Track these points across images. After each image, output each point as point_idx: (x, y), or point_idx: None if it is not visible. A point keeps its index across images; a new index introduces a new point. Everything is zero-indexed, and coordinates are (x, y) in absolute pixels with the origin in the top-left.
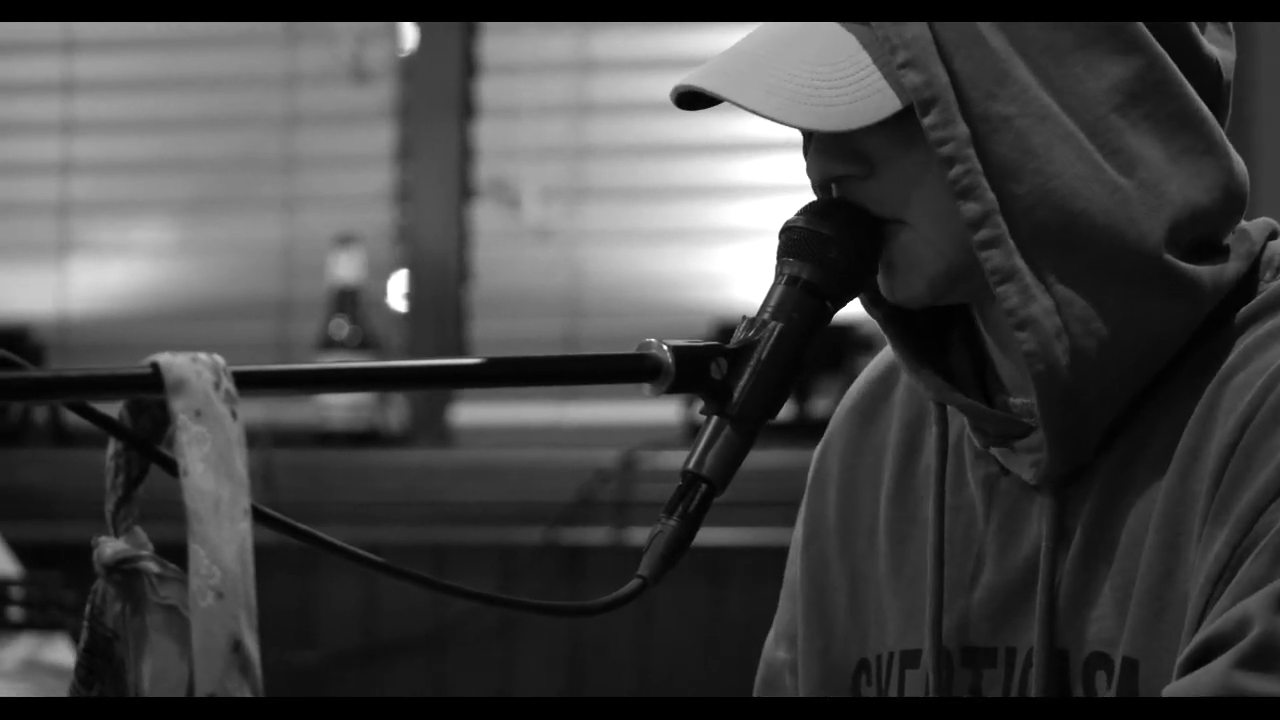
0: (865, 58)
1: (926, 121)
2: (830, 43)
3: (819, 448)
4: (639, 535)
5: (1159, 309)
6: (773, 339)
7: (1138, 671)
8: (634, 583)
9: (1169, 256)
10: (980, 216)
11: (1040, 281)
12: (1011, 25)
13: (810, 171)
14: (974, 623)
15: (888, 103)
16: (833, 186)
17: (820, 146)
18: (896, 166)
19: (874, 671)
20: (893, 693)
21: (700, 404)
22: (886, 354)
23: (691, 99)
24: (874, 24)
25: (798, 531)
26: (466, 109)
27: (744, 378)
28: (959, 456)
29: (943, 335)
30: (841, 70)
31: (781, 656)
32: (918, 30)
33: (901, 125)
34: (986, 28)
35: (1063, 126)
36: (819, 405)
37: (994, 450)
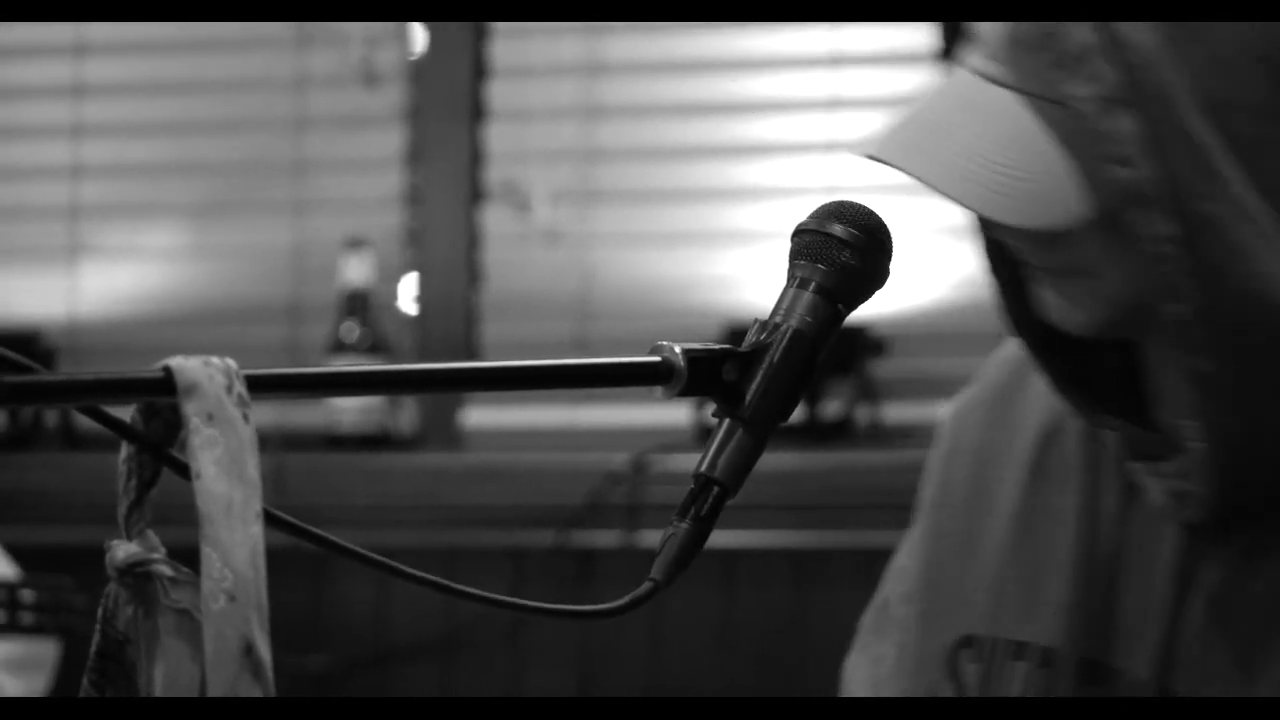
0: (1060, 149)
1: (1134, 219)
2: (1021, 125)
3: (955, 414)
4: (650, 538)
5: None
6: (785, 342)
7: None
8: (646, 585)
9: None
10: (1181, 318)
11: (1236, 386)
12: (1221, 121)
13: (995, 232)
14: (1091, 635)
15: (1088, 203)
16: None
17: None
18: (1092, 239)
19: (984, 650)
20: (996, 679)
21: (712, 407)
22: None
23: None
24: (1079, 112)
25: (926, 493)
26: (476, 112)
27: (756, 381)
28: (1100, 463)
29: (1091, 354)
30: (1035, 159)
31: (900, 610)
32: (1127, 126)
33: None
34: (1196, 125)
35: (1271, 225)
36: (830, 408)
37: (1134, 466)
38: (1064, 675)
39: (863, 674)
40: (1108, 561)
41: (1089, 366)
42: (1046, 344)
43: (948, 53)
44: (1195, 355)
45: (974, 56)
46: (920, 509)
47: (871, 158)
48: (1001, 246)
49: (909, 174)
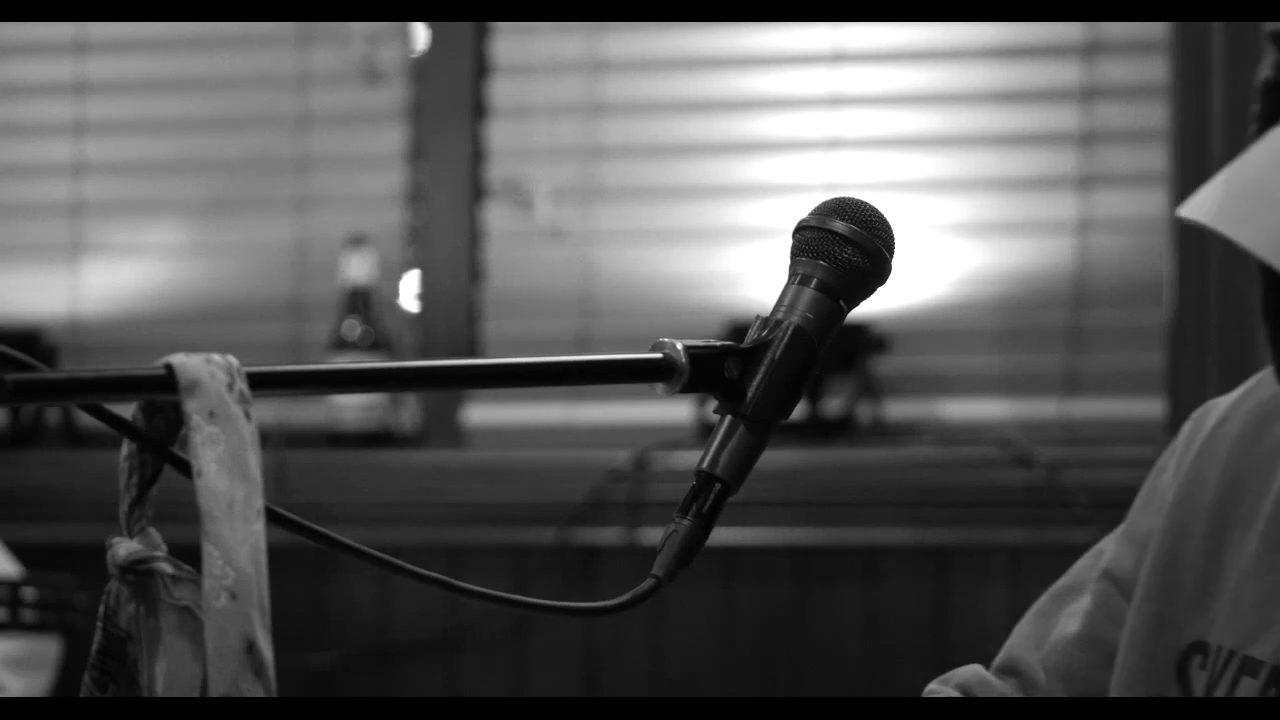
0: None
1: None
2: None
3: (1210, 418)
4: (652, 535)
5: None
6: (786, 339)
7: None
8: (648, 583)
9: None
10: None
11: None
12: None
13: None
14: None
15: None
16: None
17: None
18: None
19: (1211, 658)
20: (1222, 689)
21: (714, 404)
22: None
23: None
24: None
25: (1161, 486)
26: (478, 109)
27: (758, 377)
28: None
29: None
30: None
31: (1096, 584)
32: None
33: None
34: None
35: None
36: (832, 405)
37: None
38: None
39: (1027, 631)
40: None
41: None
42: None
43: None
44: None
45: None
46: (1148, 500)
47: (1202, 224)
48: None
49: (1240, 244)
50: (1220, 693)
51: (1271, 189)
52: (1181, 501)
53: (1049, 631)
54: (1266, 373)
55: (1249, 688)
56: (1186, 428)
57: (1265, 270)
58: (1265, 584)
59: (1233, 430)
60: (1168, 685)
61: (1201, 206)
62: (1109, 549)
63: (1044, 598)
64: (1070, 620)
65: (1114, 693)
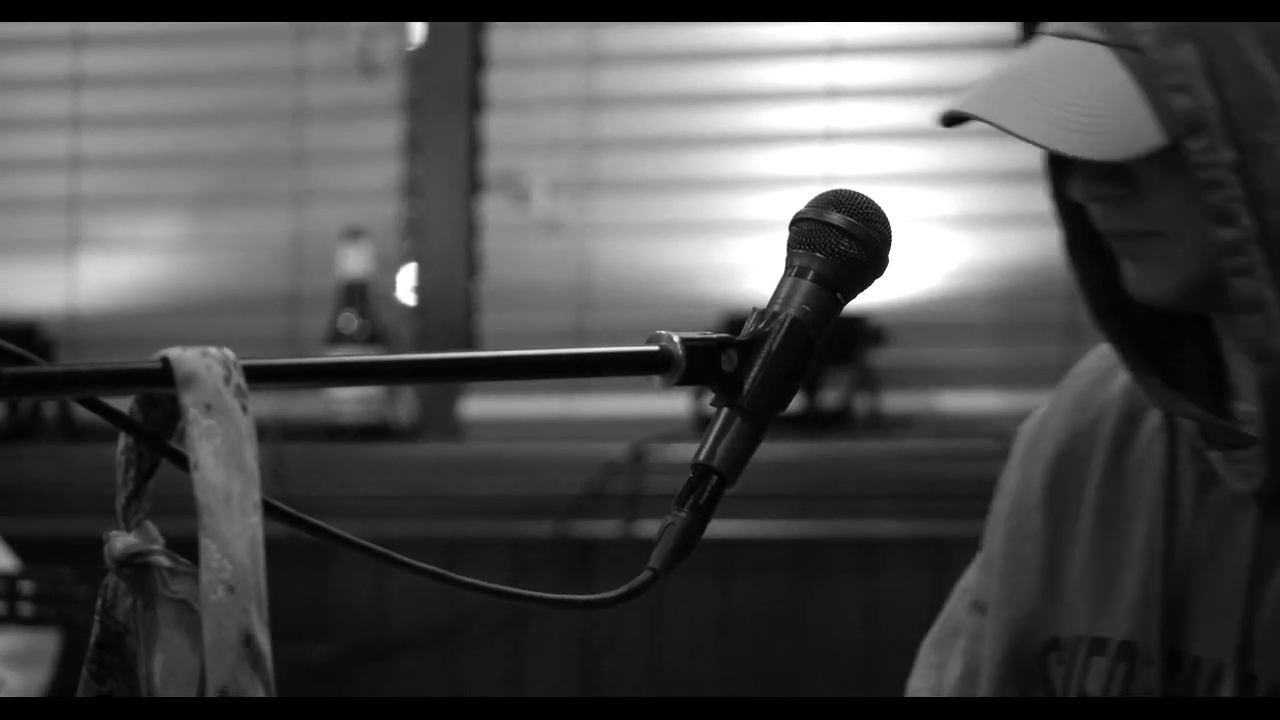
0: (1132, 85)
1: (1192, 146)
2: (1099, 69)
3: (1032, 424)
4: (649, 528)
5: None
6: (783, 331)
7: None
8: (644, 575)
9: None
10: (1236, 243)
11: None
12: (1278, 54)
13: (1074, 193)
14: (1169, 624)
15: (1156, 133)
16: (1091, 205)
17: (1087, 170)
18: (1162, 189)
19: (1065, 651)
20: (1076, 676)
21: (710, 396)
22: (1109, 347)
23: (956, 116)
24: (1143, 49)
25: (1001, 499)
26: (475, 103)
27: (754, 370)
28: (1176, 456)
29: (1171, 342)
30: (1107, 96)
31: (967, 619)
32: (1188, 56)
33: (1170, 148)
34: (1256, 56)
35: None
36: (829, 397)
37: (1212, 455)
38: (1143, 666)
39: (924, 684)
40: (1184, 552)
41: (1169, 354)
42: (1128, 333)
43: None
44: (1256, 331)
45: (1051, 26)
46: (993, 521)
47: (958, 115)
48: (1081, 235)
49: (994, 125)
50: (1075, 680)
51: (1027, 79)
52: (1015, 507)
53: (942, 680)
54: (1079, 367)
55: (1099, 667)
56: (1017, 443)
57: (1065, 209)
58: (1100, 565)
59: (1052, 428)
60: (1033, 689)
61: (961, 101)
62: (971, 580)
63: (928, 647)
64: (954, 663)
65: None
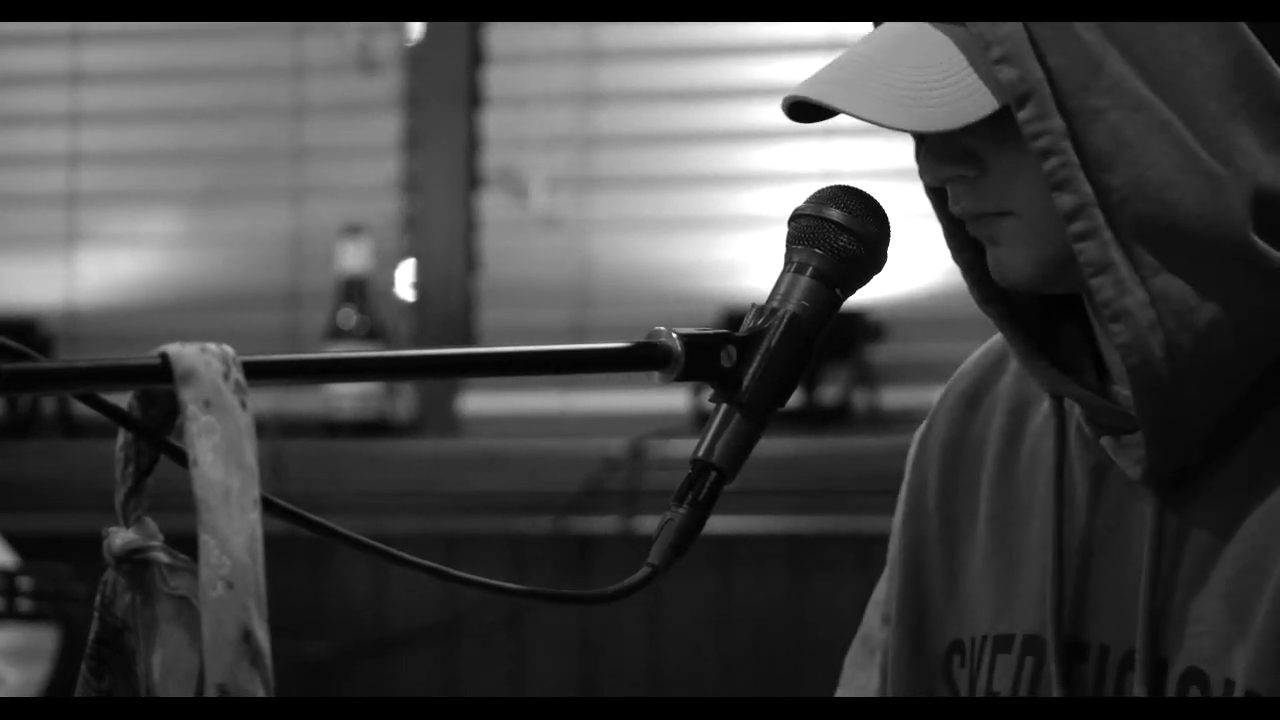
0: (962, 59)
1: (1022, 116)
2: (930, 47)
3: (921, 430)
4: (648, 524)
5: (1257, 300)
6: (782, 327)
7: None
8: (643, 571)
9: (1264, 245)
10: (1075, 208)
11: (1136, 274)
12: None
13: (923, 175)
14: (1070, 616)
15: (986, 102)
16: (947, 189)
17: (931, 150)
18: (1003, 163)
19: (967, 653)
20: (983, 676)
21: (709, 392)
22: (993, 343)
23: (800, 110)
24: (969, 24)
25: (898, 511)
26: (473, 98)
27: (753, 365)
28: (1067, 447)
29: (1056, 329)
30: (942, 71)
31: (879, 633)
32: (1011, 28)
33: (1005, 124)
34: (1080, 23)
35: (1158, 116)
36: (828, 393)
37: (1103, 441)
38: (1049, 659)
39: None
40: (1082, 542)
41: (1054, 342)
42: (1013, 318)
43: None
44: (1107, 292)
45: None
46: (893, 531)
47: (797, 102)
48: (961, 226)
49: (830, 108)
50: (981, 680)
51: (868, 63)
52: (911, 514)
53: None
54: (963, 367)
55: (1005, 664)
56: (910, 450)
57: (936, 200)
58: (999, 562)
59: (940, 428)
60: (938, 693)
61: (804, 87)
62: (880, 593)
63: (850, 665)
64: (874, 677)
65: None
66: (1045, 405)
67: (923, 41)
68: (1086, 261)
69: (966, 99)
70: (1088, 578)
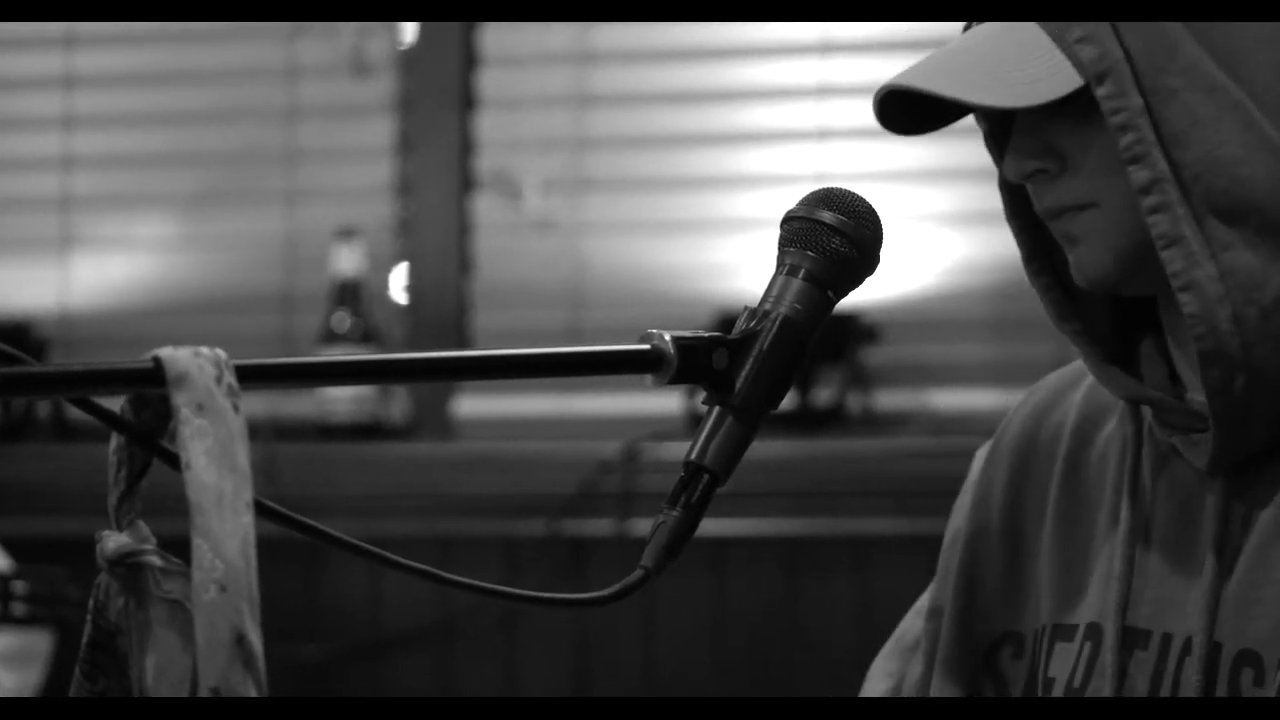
0: (1045, 39)
1: (1101, 92)
2: (1012, 32)
3: (993, 438)
4: (642, 526)
5: None
6: (775, 329)
7: None
8: (637, 574)
9: None
10: (1150, 182)
11: (1207, 249)
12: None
13: (1007, 171)
14: (1134, 604)
15: (1068, 79)
16: (1029, 190)
17: (1015, 146)
18: (1084, 155)
19: (1026, 646)
20: (1041, 664)
21: (702, 395)
22: (1074, 364)
23: (892, 119)
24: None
25: (957, 516)
26: (467, 101)
27: (746, 368)
28: (1138, 442)
29: (1130, 347)
30: (1026, 56)
31: (923, 625)
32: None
33: (1086, 114)
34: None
35: (1230, 97)
36: (821, 395)
37: (1174, 439)
38: (1110, 646)
39: (876, 686)
40: (1150, 534)
41: (1128, 354)
42: (1088, 333)
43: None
44: (1177, 263)
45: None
46: (950, 537)
47: (888, 94)
48: (1037, 249)
49: (921, 90)
50: (1041, 669)
51: (955, 53)
52: (977, 508)
53: (901, 687)
54: (1039, 385)
55: (1064, 652)
56: (974, 464)
57: (1013, 212)
58: (1065, 556)
59: (1013, 432)
60: (980, 682)
61: (893, 81)
62: (924, 602)
63: (882, 659)
64: (915, 667)
65: (932, 694)
66: (1116, 415)
67: (1006, 32)
68: (1159, 234)
69: (1050, 79)
70: (1153, 568)
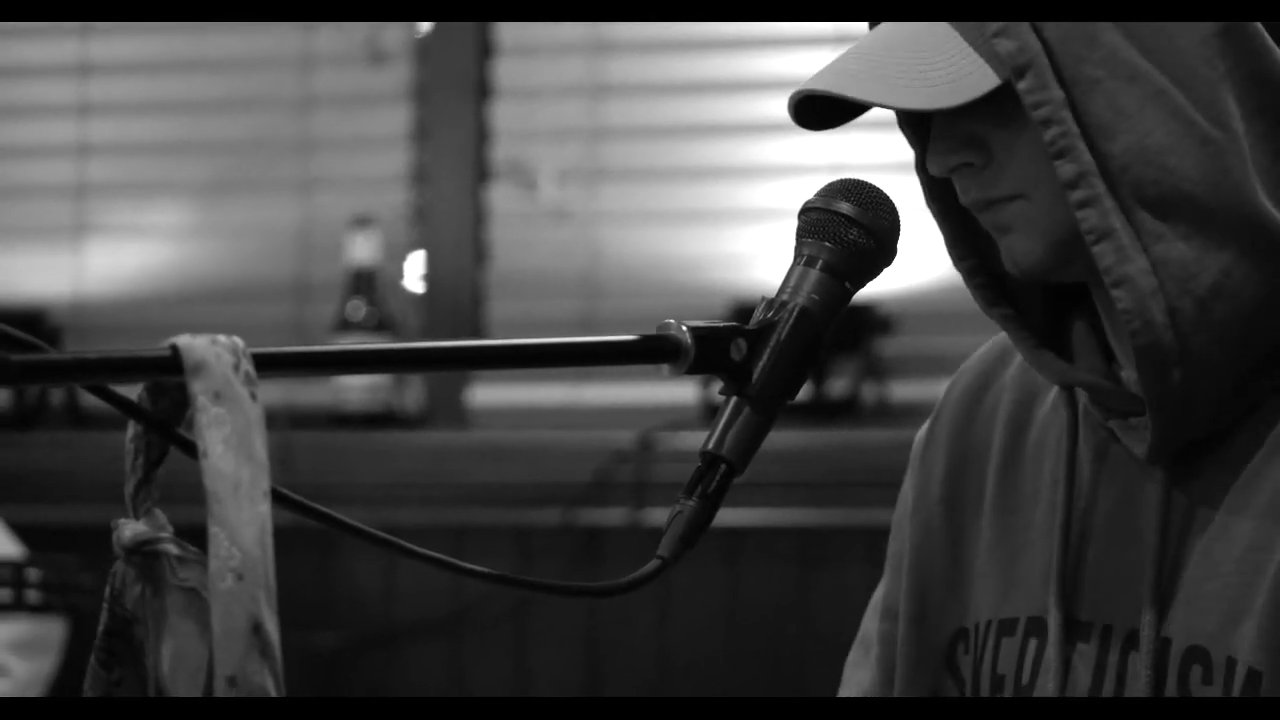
0: (960, 40)
1: (1022, 86)
2: (928, 34)
3: (927, 424)
4: (657, 516)
5: (1260, 266)
6: (792, 320)
7: (1261, 682)
8: (653, 563)
9: (1265, 206)
10: (1076, 176)
11: (1138, 241)
12: None
13: (931, 166)
14: (1074, 596)
15: (988, 77)
16: (955, 183)
17: (938, 139)
18: (1009, 148)
19: (971, 640)
20: (987, 660)
21: (719, 385)
22: (995, 340)
23: (807, 116)
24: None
25: (901, 505)
26: (482, 90)
27: (763, 358)
28: (1075, 430)
29: (1061, 327)
30: (942, 53)
31: (877, 627)
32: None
33: (1008, 107)
34: None
35: (1153, 84)
36: (836, 386)
37: (1111, 424)
38: (1055, 639)
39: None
40: (1089, 524)
41: (1059, 334)
42: (1018, 318)
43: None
44: (1108, 258)
45: None
46: (895, 529)
47: (805, 95)
48: (964, 234)
49: (838, 96)
50: (986, 664)
51: (872, 54)
52: (917, 505)
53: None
54: (964, 365)
55: (1009, 647)
56: (913, 449)
57: (931, 195)
58: (1005, 548)
59: (945, 423)
60: (942, 683)
61: (809, 83)
62: (878, 595)
63: (851, 667)
64: (868, 674)
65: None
66: (1051, 396)
67: (920, 31)
68: (1088, 229)
69: (969, 76)
70: (1093, 558)
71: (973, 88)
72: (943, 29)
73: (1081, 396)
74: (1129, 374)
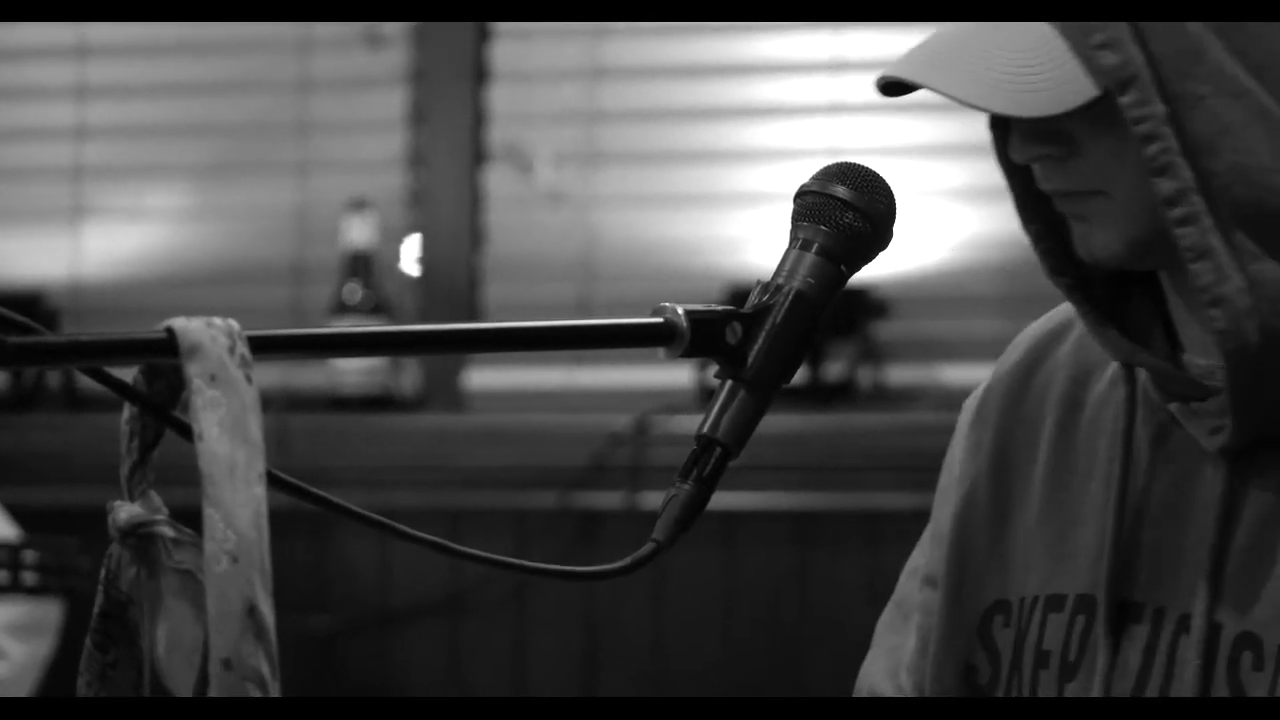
0: (1061, 44)
1: (1124, 101)
2: (1028, 31)
3: (978, 394)
4: (653, 499)
5: None
6: (787, 303)
7: None
8: (648, 546)
9: None
10: (1175, 193)
11: (1234, 260)
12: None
13: (1013, 154)
14: (1127, 576)
15: (1087, 87)
16: (1034, 167)
17: (1023, 130)
18: (1097, 145)
19: (1014, 613)
20: (1032, 635)
21: (714, 368)
22: (1053, 313)
23: (893, 85)
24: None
25: (947, 474)
26: (479, 73)
27: (759, 342)
28: (1133, 408)
29: (1124, 300)
30: (1040, 56)
31: (919, 595)
32: None
33: (1101, 106)
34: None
35: (1258, 102)
36: (832, 369)
37: (1172, 407)
38: (1102, 619)
39: (880, 665)
40: (1142, 503)
41: (1123, 311)
42: (1082, 288)
43: None
44: (1206, 277)
45: None
46: (940, 496)
47: (894, 82)
48: (1033, 197)
49: (929, 89)
50: (1030, 639)
51: (963, 44)
52: (964, 475)
53: (900, 660)
54: (1019, 337)
55: (1056, 623)
56: (961, 417)
57: (1010, 172)
58: (1055, 524)
59: (997, 396)
60: (973, 654)
61: (899, 67)
62: (919, 560)
63: (883, 629)
64: (910, 640)
65: (928, 670)
66: (1109, 373)
67: (1019, 25)
68: (1187, 247)
69: (1068, 84)
70: (1148, 540)
71: (1074, 96)
72: (1043, 28)
73: (1140, 375)
74: (1191, 356)
